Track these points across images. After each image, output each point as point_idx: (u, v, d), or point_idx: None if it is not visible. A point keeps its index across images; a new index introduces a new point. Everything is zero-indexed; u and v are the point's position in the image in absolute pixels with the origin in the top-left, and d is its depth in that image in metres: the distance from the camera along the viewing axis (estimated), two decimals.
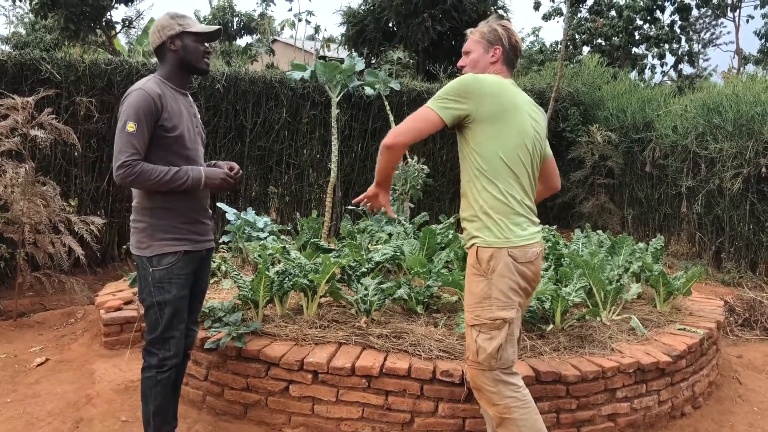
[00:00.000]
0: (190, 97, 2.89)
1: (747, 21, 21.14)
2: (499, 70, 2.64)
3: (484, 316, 2.45)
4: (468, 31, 2.76)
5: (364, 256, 4.32)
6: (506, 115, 2.47)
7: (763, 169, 7.14)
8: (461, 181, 2.63)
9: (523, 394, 2.50)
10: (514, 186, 2.51)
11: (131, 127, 2.50)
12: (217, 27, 2.79)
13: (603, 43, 18.38)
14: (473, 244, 2.51)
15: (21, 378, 3.93)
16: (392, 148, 2.48)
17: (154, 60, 8.45)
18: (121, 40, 18.02)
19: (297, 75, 6.47)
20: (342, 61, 6.47)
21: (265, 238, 5.14)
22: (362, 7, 14.68)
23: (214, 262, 4.73)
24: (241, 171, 2.86)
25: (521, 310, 2.57)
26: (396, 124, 7.00)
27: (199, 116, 2.94)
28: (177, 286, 2.67)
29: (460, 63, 2.71)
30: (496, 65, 2.64)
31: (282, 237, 5.40)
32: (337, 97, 6.20)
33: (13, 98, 5.09)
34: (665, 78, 20.34)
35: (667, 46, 18.37)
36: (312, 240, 5.02)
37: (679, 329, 3.92)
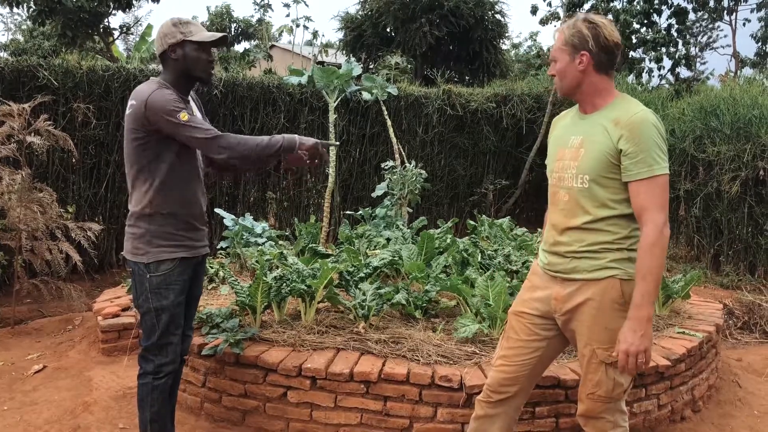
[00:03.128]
0: (192, 103, 2.87)
1: (744, 24, 21.16)
2: (596, 80, 2.31)
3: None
4: (555, 30, 2.41)
5: (362, 261, 4.31)
6: None
7: (761, 172, 7.14)
8: (583, 210, 2.28)
9: (627, 420, 2.45)
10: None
11: (184, 116, 2.50)
12: (222, 35, 2.72)
13: None
14: (613, 276, 2.24)
15: (18, 385, 3.92)
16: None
17: (152, 66, 8.45)
18: (119, 46, 18.05)
19: (294, 80, 6.47)
20: (340, 66, 6.47)
21: (263, 243, 5.13)
22: (360, 13, 14.72)
23: (212, 268, 4.72)
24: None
25: None
26: (393, 130, 7.02)
27: (198, 116, 2.90)
28: (174, 292, 2.65)
29: (550, 72, 2.41)
30: (587, 74, 2.30)
31: (280, 242, 5.40)
32: (334, 102, 6.20)
33: (9, 105, 5.09)
34: (663, 81, 20.36)
35: (664, 49, 18.35)
36: (310, 245, 5.02)
37: (678, 333, 3.91)
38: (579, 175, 2.27)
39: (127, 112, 2.62)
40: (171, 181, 2.63)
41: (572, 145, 2.34)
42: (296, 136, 2.67)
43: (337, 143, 2.82)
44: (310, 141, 2.69)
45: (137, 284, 2.69)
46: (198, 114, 2.80)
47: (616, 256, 2.24)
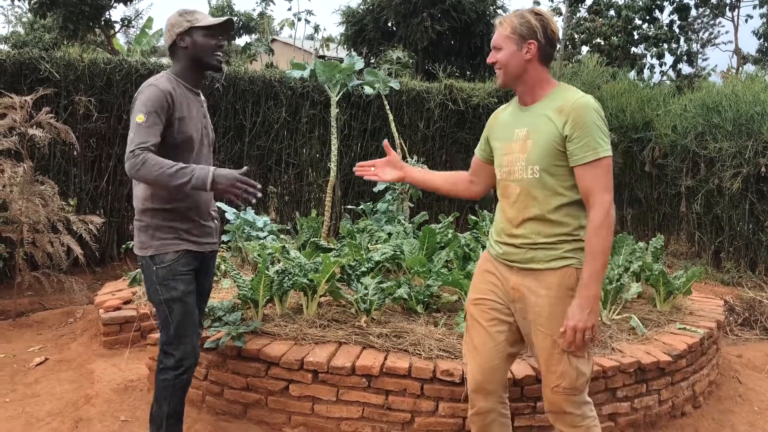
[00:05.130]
0: (202, 97, 2.84)
1: (746, 20, 21.17)
2: (538, 70, 2.34)
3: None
4: (497, 20, 2.42)
5: (364, 256, 4.31)
6: None
7: (763, 169, 7.13)
8: (538, 202, 2.31)
9: (594, 409, 2.45)
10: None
11: (140, 118, 2.46)
12: (227, 18, 2.70)
13: (602, 43, 18.36)
14: (569, 265, 2.28)
15: (20, 378, 3.93)
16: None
17: (153, 59, 8.45)
18: (120, 39, 18.01)
19: (296, 74, 6.45)
20: (341, 60, 6.46)
21: (265, 237, 5.13)
22: (361, 7, 14.67)
23: None
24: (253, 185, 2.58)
25: None
26: (395, 124, 7.01)
27: (208, 117, 2.89)
28: (183, 282, 2.64)
29: (490, 59, 2.40)
30: (532, 63, 2.33)
31: (281, 236, 5.40)
32: (336, 96, 6.19)
33: (11, 97, 5.08)
34: (664, 78, 20.34)
35: (666, 45, 18.34)
36: (311, 239, 5.02)
37: (679, 329, 3.92)
38: (529, 166, 2.30)
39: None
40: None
41: (518, 137, 2.36)
42: (210, 173, 2.44)
43: (246, 168, 2.62)
44: (225, 182, 2.46)
45: (146, 278, 2.68)
46: (194, 112, 2.71)
47: (572, 246, 2.29)
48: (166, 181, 2.43)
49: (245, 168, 2.64)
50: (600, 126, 2.22)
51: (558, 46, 2.40)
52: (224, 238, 5.32)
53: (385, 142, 2.75)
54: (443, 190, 2.82)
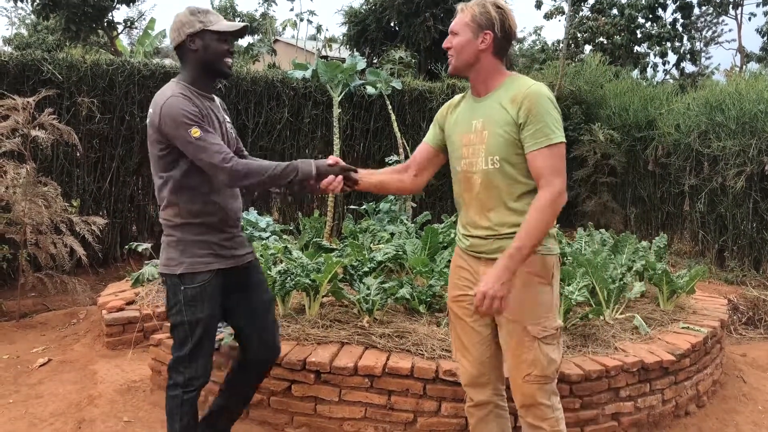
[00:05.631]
0: (218, 101, 2.69)
1: (749, 18, 21.07)
2: (491, 62, 2.35)
3: (551, 326, 2.32)
4: (459, 6, 2.41)
5: (367, 256, 4.31)
6: None
7: (766, 167, 7.11)
8: (500, 192, 2.31)
9: (560, 402, 2.44)
10: None
11: (195, 132, 2.32)
12: (243, 25, 2.56)
13: (605, 42, 18.34)
14: (535, 252, 2.26)
15: (24, 378, 3.93)
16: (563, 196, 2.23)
17: (156, 60, 8.45)
18: (123, 40, 18.02)
19: (299, 74, 6.46)
20: (344, 60, 6.46)
21: (268, 237, 5.13)
22: (364, 7, 14.66)
23: None
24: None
25: None
26: (397, 124, 7.00)
27: (229, 121, 2.71)
28: (210, 305, 2.50)
29: (445, 43, 2.38)
30: (486, 54, 2.33)
31: (284, 237, 5.40)
32: (338, 96, 6.20)
33: (14, 99, 5.10)
34: (667, 76, 20.30)
35: (669, 44, 18.31)
36: (314, 239, 5.02)
37: (682, 328, 3.91)
38: (489, 156, 2.30)
39: (147, 120, 2.49)
40: (197, 188, 2.47)
41: (475, 129, 2.36)
42: (313, 168, 2.46)
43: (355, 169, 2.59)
44: (328, 171, 2.49)
45: (170, 296, 2.53)
46: (225, 115, 2.65)
47: None
48: (277, 182, 2.43)
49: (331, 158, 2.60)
50: (552, 113, 2.23)
51: (514, 41, 2.42)
52: None
53: (331, 157, 2.67)
54: (392, 188, 2.76)
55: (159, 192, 2.53)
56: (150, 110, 2.45)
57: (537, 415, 2.37)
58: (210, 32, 2.48)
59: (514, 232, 2.26)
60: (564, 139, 2.24)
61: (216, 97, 2.68)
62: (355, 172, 2.61)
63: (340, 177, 2.55)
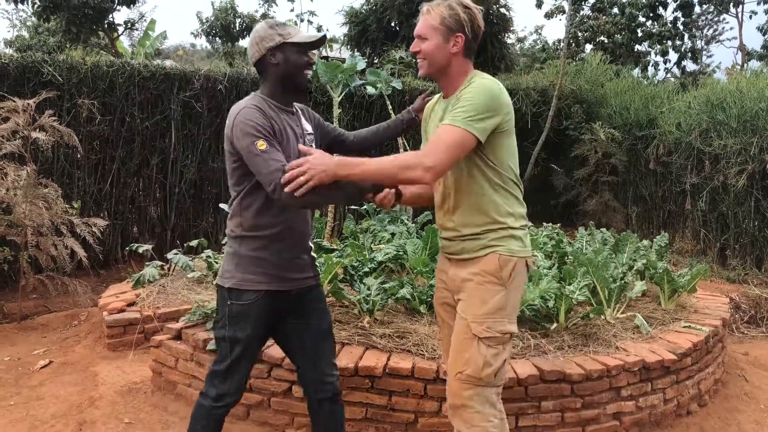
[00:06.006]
0: (301, 110, 2.60)
1: (750, 17, 21.12)
2: (461, 64, 2.30)
3: (496, 329, 2.23)
4: (423, 7, 2.30)
5: (367, 256, 4.30)
6: (512, 123, 2.30)
7: None
8: (461, 193, 2.31)
9: (504, 421, 2.29)
10: (520, 194, 2.37)
11: (261, 145, 2.23)
12: (321, 35, 2.49)
13: (605, 41, 18.33)
14: (492, 252, 2.25)
15: (25, 380, 3.93)
16: (429, 176, 2.12)
17: (157, 62, 8.45)
18: (124, 42, 18.04)
19: None
20: (344, 61, 6.45)
21: None
22: (364, 7, 14.66)
23: (216, 263, 4.71)
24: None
25: None
26: None
27: (311, 131, 2.58)
28: (254, 326, 2.42)
29: (413, 48, 2.30)
30: (457, 57, 2.28)
31: None
32: (339, 96, 6.18)
33: (14, 101, 5.10)
34: (668, 75, 20.28)
35: (669, 42, 18.30)
36: (315, 240, 5.01)
37: (684, 327, 3.90)
38: None
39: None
40: (263, 204, 2.37)
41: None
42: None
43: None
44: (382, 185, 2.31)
45: (219, 307, 2.49)
46: (307, 126, 2.57)
47: (499, 234, 2.27)
48: (334, 201, 2.38)
49: None
50: (476, 104, 2.14)
51: (480, 40, 2.34)
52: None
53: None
54: (426, 198, 2.60)
55: (230, 201, 2.47)
56: (227, 121, 2.40)
57: (464, 418, 2.26)
58: (290, 45, 2.41)
59: (476, 234, 2.26)
60: (472, 131, 2.12)
61: (299, 107, 2.60)
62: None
63: (392, 191, 2.39)
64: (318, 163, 2.08)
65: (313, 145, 2.54)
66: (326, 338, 2.60)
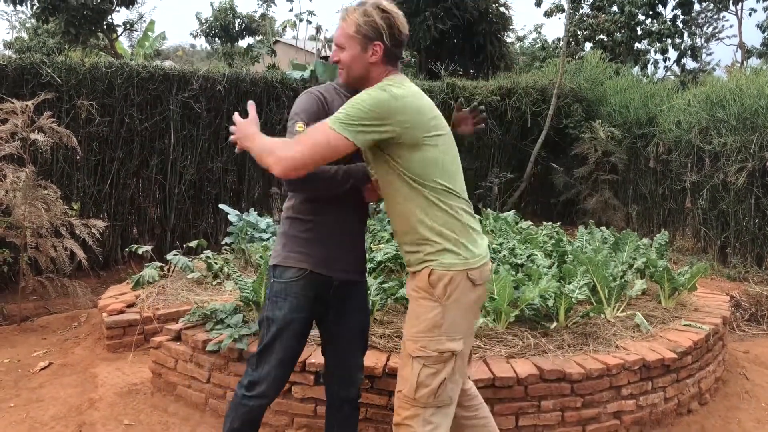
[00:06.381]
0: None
1: (750, 14, 21.06)
2: (382, 72, 2.21)
3: (431, 348, 2.12)
4: (341, 13, 2.22)
5: (366, 256, 4.29)
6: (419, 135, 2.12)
7: None
8: (391, 211, 2.24)
9: None
10: (463, 207, 2.21)
11: (300, 127, 2.25)
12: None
13: (605, 39, 18.31)
14: (426, 267, 2.14)
15: (24, 382, 3.93)
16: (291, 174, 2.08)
17: (156, 62, 8.45)
18: (123, 43, 18.04)
19: (296, 74, 6.47)
20: None
21: (268, 239, 5.13)
22: None
23: (216, 264, 4.72)
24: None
25: (472, 336, 2.31)
26: None
27: None
28: (291, 306, 2.36)
29: (333, 58, 2.23)
30: (377, 66, 2.20)
31: None
32: None
33: (13, 102, 5.10)
34: (668, 73, 20.27)
35: (669, 40, 18.29)
36: None
37: (684, 325, 3.89)
38: (370, 167, 2.26)
39: None
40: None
41: None
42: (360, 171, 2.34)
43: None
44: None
45: (267, 288, 2.51)
46: None
47: (432, 248, 2.14)
48: (329, 184, 2.30)
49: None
50: (357, 109, 2.04)
51: (405, 44, 2.25)
52: (227, 240, 5.32)
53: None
54: None
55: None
56: None
57: None
58: None
59: (411, 251, 2.19)
60: (343, 134, 2.02)
61: None
62: None
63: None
64: (238, 129, 2.21)
65: None
66: (359, 339, 2.57)
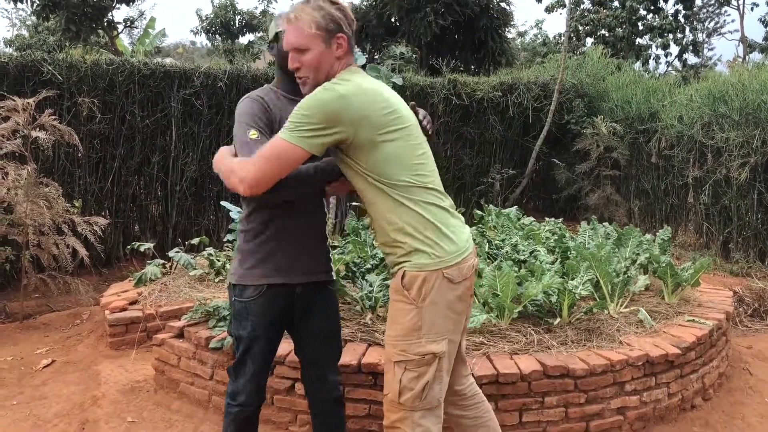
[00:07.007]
0: None
1: (752, 9, 20.97)
2: (346, 63, 2.12)
3: (411, 351, 2.05)
4: (285, 17, 2.10)
5: (369, 253, 4.29)
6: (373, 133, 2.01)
7: None
8: (369, 211, 2.16)
9: None
10: (429, 186, 2.11)
11: (253, 134, 2.19)
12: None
13: (606, 35, 18.29)
14: (400, 269, 2.07)
15: (27, 380, 3.93)
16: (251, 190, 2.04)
17: (156, 59, 8.44)
18: (124, 40, 18.02)
19: None
20: None
21: None
22: (364, 3, 14.64)
23: (219, 261, 4.71)
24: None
25: (460, 334, 2.20)
26: None
27: None
28: (254, 324, 2.32)
29: (293, 64, 2.10)
30: (342, 59, 2.10)
31: None
32: None
33: (14, 100, 5.09)
34: (670, 68, 20.24)
35: (671, 36, 18.27)
36: None
37: (687, 321, 3.88)
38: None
39: None
40: (261, 197, 2.24)
41: None
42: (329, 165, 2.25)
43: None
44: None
45: (230, 302, 2.46)
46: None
47: (404, 250, 2.06)
48: (301, 182, 2.20)
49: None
50: (304, 114, 1.96)
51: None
52: (229, 237, 5.31)
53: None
54: None
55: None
56: None
57: None
58: (281, 33, 2.33)
59: (386, 252, 2.13)
60: (295, 143, 1.96)
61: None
62: None
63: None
64: (217, 159, 2.18)
65: None
66: (331, 341, 2.50)
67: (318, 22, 2.04)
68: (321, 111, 1.95)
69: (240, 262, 2.34)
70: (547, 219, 6.05)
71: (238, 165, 2.04)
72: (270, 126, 2.28)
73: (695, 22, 21.26)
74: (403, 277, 2.05)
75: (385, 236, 2.10)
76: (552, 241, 4.89)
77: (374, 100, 2.02)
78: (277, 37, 2.37)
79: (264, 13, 19.90)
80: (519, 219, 5.88)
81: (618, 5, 18.39)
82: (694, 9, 20.13)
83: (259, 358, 2.37)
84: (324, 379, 2.48)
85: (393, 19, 14.26)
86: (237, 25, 20.08)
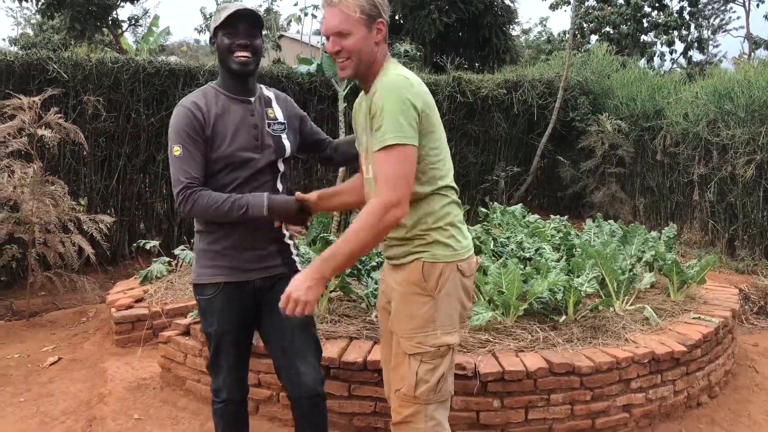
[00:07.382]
0: (272, 101, 2.50)
1: (757, 5, 20.91)
2: (383, 52, 2.11)
3: (427, 344, 2.05)
4: (327, 1, 2.05)
5: (374, 251, 4.29)
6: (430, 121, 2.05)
7: None
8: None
9: None
10: (450, 186, 2.13)
11: (176, 150, 2.23)
12: (237, 5, 2.32)
13: (611, 32, 18.24)
14: (417, 259, 2.06)
15: (34, 377, 3.95)
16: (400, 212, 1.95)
17: (161, 58, 8.45)
18: (129, 38, 18.06)
19: (303, 69, 6.45)
20: None
21: None
22: None
23: None
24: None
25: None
26: None
27: (283, 123, 2.48)
28: (218, 320, 2.37)
29: (333, 47, 2.05)
30: (381, 45, 2.08)
31: None
32: (344, 90, 6.17)
33: (20, 98, 5.10)
34: (675, 65, 20.18)
35: (676, 33, 18.21)
36: (321, 235, 5.00)
37: (693, 318, 3.88)
38: (368, 163, 2.14)
39: None
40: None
41: (360, 133, 2.22)
42: (265, 205, 2.28)
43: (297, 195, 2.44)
44: (285, 211, 2.35)
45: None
46: (278, 114, 2.48)
47: (422, 241, 2.06)
48: (223, 217, 2.26)
49: (297, 194, 2.43)
50: (394, 110, 1.92)
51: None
52: None
53: (298, 194, 2.47)
54: (352, 202, 2.50)
55: None
56: None
57: None
58: (218, 29, 2.33)
59: (400, 239, 2.10)
60: (407, 142, 1.92)
61: (274, 95, 2.54)
62: (308, 207, 2.44)
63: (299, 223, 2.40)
64: (299, 286, 1.95)
65: (283, 135, 2.47)
66: (298, 334, 2.40)
67: (362, 7, 2.01)
68: (400, 101, 1.93)
69: (197, 262, 2.42)
70: (552, 216, 6.04)
71: (380, 203, 1.92)
72: (200, 132, 2.27)
73: (700, 19, 21.19)
74: (422, 267, 2.05)
75: (403, 228, 2.08)
76: (557, 238, 4.89)
77: (427, 91, 2.07)
78: (216, 30, 2.32)
79: (268, 11, 19.87)
80: (524, 216, 5.87)
81: (623, 2, 18.33)
82: (699, 6, 20.06)
83: (231, 351, 2.43)
84: (298, 376, 2.37)
85: (397, 17, 14.25)
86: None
